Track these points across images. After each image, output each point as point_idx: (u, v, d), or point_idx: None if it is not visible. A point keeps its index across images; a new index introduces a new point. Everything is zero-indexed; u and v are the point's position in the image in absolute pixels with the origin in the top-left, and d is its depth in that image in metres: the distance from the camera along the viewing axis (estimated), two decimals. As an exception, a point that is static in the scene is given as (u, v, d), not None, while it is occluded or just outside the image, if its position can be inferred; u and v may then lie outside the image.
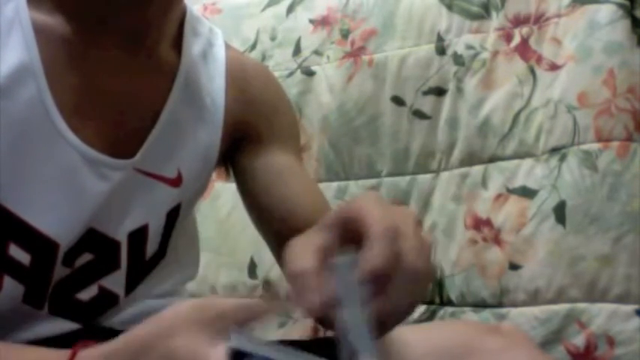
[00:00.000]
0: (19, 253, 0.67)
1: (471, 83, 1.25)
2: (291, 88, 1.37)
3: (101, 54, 0.71)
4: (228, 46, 0.86)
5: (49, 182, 0.67)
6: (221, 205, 1.42)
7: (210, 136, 0.80)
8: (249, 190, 0.86)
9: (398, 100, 1.31)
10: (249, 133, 0.85)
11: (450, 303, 1.20)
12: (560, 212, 1.12)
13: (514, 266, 1.15)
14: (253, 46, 1.46)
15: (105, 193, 0.70)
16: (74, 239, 0.70)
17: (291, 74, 1.40)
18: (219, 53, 0.83)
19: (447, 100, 1.27)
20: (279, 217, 0.83)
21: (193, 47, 0.80)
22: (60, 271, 0.70)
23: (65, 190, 0.68)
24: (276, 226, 0.84)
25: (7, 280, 0.68)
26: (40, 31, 0.68)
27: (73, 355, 0.53)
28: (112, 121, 0.71)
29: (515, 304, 1.14)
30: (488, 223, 1.19)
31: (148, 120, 0.74)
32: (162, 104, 0.75)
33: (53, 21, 0.69)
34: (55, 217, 0.68)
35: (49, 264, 0.69)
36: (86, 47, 0.70)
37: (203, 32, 0.82)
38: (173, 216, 0.78)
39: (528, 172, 1.17)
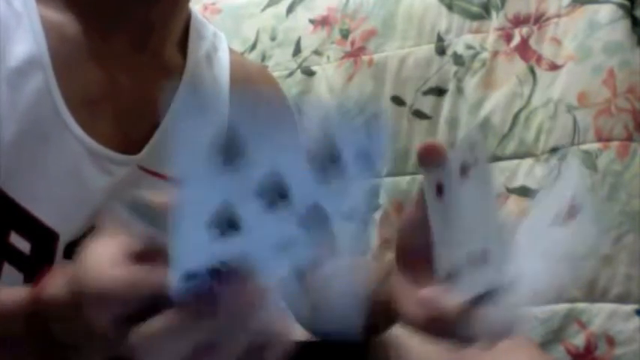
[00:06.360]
0: (19, 241, 0.68)
1: (470, 83, 1.25)
2: (291, 88, 1.37)
3: (109, 51, 0.72)
4: (232, 51, 0.86)
5: (52, 173, 0.68)
6: (221, 205, 1.42)
7: None
8: None
9: (398, 100, 1.31)
10: None
11: (450, 303, 1.20)
12: (560, 212, 1.12)
13: (514, 266, 1.15)
14: (253, 46, 1.46)
15: (108, 188, 0.71)
16: (76, 232, 0.70)
17: (291, 74, 1.40)
18: (224, 57, 0.84)
19: (447, 100, 1.27)
20: None
21: (198, 50, 0.81)
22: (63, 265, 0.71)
23: (68, 181, 0.69)
24: None
25: (7, 268, 0.69)
26: (49, 26, 0.69)
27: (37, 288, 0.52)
28: (118, 117, 0.72)
29: (515, 304, 1.14)
30: (488, 223, 1.19)
31: (154, 118, 0.75)
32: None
33: (62, 18, 0.71)
34: (56, 208, 0.68)
35: (49, 254, 0.69)
36: (94, 44, 0.71)
37: (208, 36, 0.83)
38: None
39: (528, 171, 1.17)
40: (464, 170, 0.49)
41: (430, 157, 0.51)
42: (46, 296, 0.51)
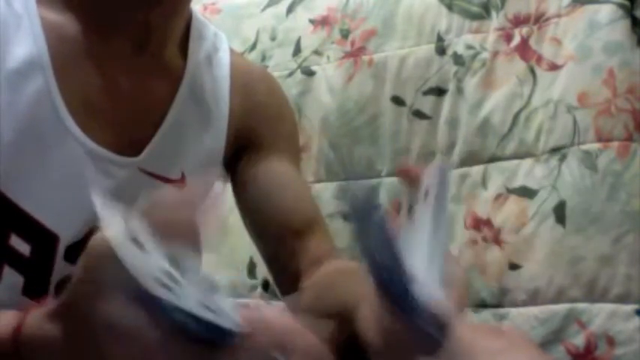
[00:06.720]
0: (19, 244, 0.68)
1: (471, 83, 1.25)
2: (291, 88, 1.37)
3: (109, 53, 0.72)
4: (232, 52, 0.86)
5: (52, 175, 0.68)
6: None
7: (214, 140, 0.81)
8: (246, 197, 0.86)
9: (398, 100, 1.31)
10: (252, 140, 0.85)
11: (450, 303, 1.20)
12: (560, 212, 1.12)
13: (514, 266, 1.15)
14: (253, 46, 1.46)
15: (108, 190, 0.71)
16: (76, 234, 0.70)
17: (291, 74, 1.40)
18: (224, 58, 0.84)
19: (447, 100, 1.27)
20: (276, 223, 0.83)
21: (199, 51, 0.81)
22: (63, 268, 0.71)
23: (68, 183, 0.69)
24: (272, 233, 0.84)
25: (7, 270, 0.69)
26: (49, 27, 0.69)
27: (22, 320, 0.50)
28: (118, 119, 0.72)
29: (515, 304, 1.14)
30: (488, 223, 1.19)
31: (154, 120, 0.75)
32: (168, 106, 0.76)
33: (63, 19, 0.71)
34: (56, 210, 0.69)
35: (49, 256, 0.70)
36: (95, 46, 0.71)
37: (208, 36, 0.83)
38: None
39: (528, 172, 1.17)
40: (426, 194, 0.50)
41: (405, 180, 0.52)
42: (26, 334, 0.49)
